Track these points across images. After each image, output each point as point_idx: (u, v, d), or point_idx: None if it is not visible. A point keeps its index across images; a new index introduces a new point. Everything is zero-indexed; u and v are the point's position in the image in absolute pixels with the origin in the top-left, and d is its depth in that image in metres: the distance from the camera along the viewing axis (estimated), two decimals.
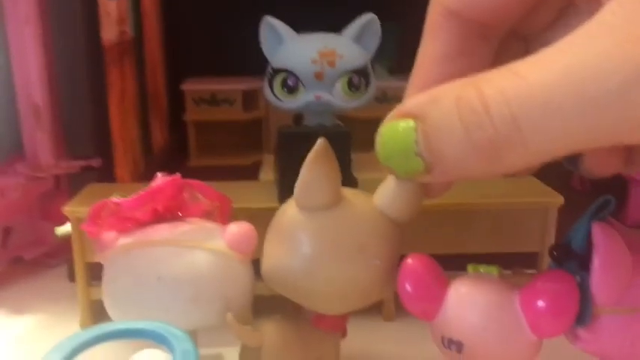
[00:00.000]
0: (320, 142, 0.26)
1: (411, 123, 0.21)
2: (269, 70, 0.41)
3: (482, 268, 0.27)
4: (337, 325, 0.31)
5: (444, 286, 0.27)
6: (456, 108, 0.20)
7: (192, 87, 0.66)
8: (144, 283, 0.29)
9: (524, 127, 0.18)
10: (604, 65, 0.17)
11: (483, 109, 0.19)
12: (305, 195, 0.27)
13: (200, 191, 0.33)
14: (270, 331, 0.30)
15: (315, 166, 0.26)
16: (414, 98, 0.21)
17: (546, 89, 0.18)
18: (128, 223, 0.31)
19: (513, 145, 0.19)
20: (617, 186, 0.48)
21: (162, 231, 0.30)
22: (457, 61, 0.24)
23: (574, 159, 0.25)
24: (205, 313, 0.29)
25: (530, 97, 0.18)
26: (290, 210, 0.28)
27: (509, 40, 0.26)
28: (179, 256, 0.29)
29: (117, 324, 0.25)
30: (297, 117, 0.50)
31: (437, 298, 0.27)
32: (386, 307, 0.41)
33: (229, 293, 0.30)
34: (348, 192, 0.28)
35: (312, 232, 0.27)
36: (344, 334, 0.32)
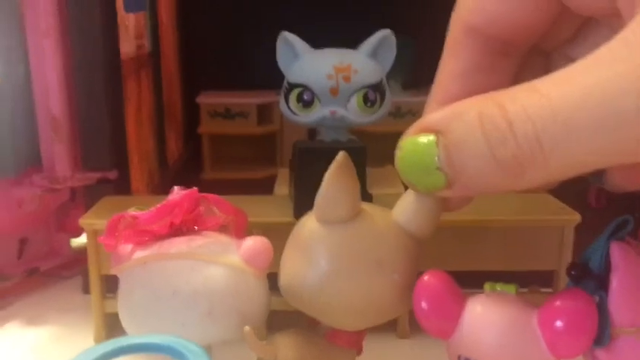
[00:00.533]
0: (341, 155, 0.26)
1: (432, 137, 0.21)
2: (285, 84, 0.42)
3: (500, 287, 0.27)
4: (353, 342, 0.31)
5: (461, 304, 0.27)
6: (479, 123, 0.20)
7: (207, 100, 0.66)
8: (160, 296, 0.29)
9: (547, 144, 0.19)
10: (625, 85, 0.17)
11: (507, 125, 0.19)
12: (325, 208, 0.27)
13: (216, 205, 0.33)
14: (284, 345, 0.30)
15: (336, 179, 0.26)
16: (436, 113, 0.21)
17: (568, 108, 0.18)
18: (145, 236, 0.31)
19: (535, 161, 0.19)
20: (632, 203, 0.47)
21: (178, 244, 0.30)
22: (478, 77, 0.24)
23: (598, 173, 0.25)
24: (220, 327, 0.29)
25: (552, 116, 0.18)
26: (309, 223, 0.28)
27: (530, 55, 0.26)
28: (195, 270, 0.29)
29: (132, 338, 0.25)
30: (312, 131, 0.50)
31: (453, 316, 0.27)
32: (400, 324, 0.41)
33: (244, 308, 0.29)
34: (366, 206, 0.28)
35: (331, 246, 0.27)
36: (359, 351, 0.32)
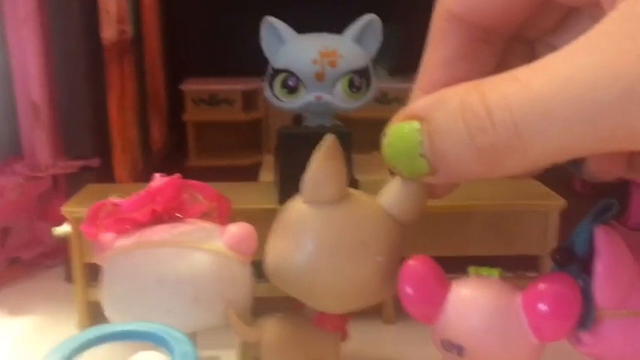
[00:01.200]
0: (329, 137, 0.27)
1: (416, 124, 0.21)
2: (269, 70, 0.41)
3: (484, 271, 0.27)
4: (338, 325, 0.31)
5: (446, 288, 0.27)
6: (460, 111, 0.20)
7: (191, 87, 0.66)
8: (144, 284, 0.28)
9: (525, 132, 0.19)
10: (604, 74, 0.18)
11: (486, 113, 0.19)
12: (313, 189, 0.28)
13: (199, 191, 0.33)
14: (270, 328, 0.30)
15: (325, 160, 0.27)
16: (420, 100, 0.22)
17: (547, 97, 0.18)
18: (126, 224, 0.31)
19: (514, 149, 0.19)
20: (619, 189, 0.48)
21: (161, 232, 0.30)
22: (461, 65, 0.25)
23: (577, 163, 0.25)
24: (205, 314, 0.29)
25: (531, 104, 0.19)
26: (296, 205, 0.29)
27: (513, 44, 0.26)
28: (179, 257, 0.29)
29: (116, 326, 0.25)
30: (297, 117, 0.49)
31: (438, 300, 0.27)
32: (386, 309, 0.41)
33: (229, 294, 0.29)
34: (353, 191, 0.29)
35: (317, 226, 0.28)
36: (345, 336, 0.32)
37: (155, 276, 0.28)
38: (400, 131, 0.22)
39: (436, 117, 0.21)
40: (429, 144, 0.21)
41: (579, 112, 0.18)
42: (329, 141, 0.27)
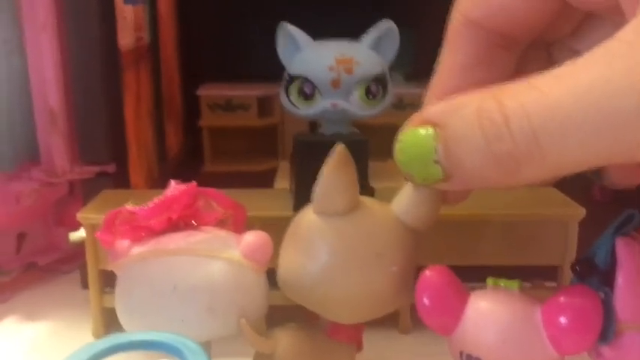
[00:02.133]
0: (339, 148, 0.27)
1: (431, 130, 0.21)
2: (285, 76, 0.41)
3: (503, 282, 0.27)
4: (353, 337, 0.31)
5: (464, 299, 0.27)
6: (476, 118, 0.20)
7: (207, 92, 0.66)
8: (159, 292, 0.28)
9: (543, 141, 0.19)
10: (624, 84, 0.17)
11: (504, 121, 0.19)
12: (323, 200, 0.27)
13: (215, 199, 0.32)
14: (284, 339, 0.30)
15: (335, 171, 0.27)
16: (436, 106, 0.21)
17: (566, 105, 0.18)
18: (142, 231, 0.31)
19: (531, 158, 0.19)
20: (638, 197, 0.47)
21: (177, 240, 0.30)
22: (477, 71, 0.24)
23: (597, 170, 0.25)
24: (220, 323, 0.29)
25: (550, 113, 0.18)
26: (308, 216, 0.28)
27: (531, 48, 0.26)
28: (195, 265, 0.29)
29: (131, 335, 0.25)
30: (313, 124, 0.49)
31: (456, 312, 0.26)
32: (402, 319, 0.40)
33: (244, 303, 0.29)
34: (365, 200, 0.28)
35: (329, 238, 0.27)
36: (360, 347, 0.32)
37: (170, 284, 0.28)
38: (414, 137, 0.22)
39: (452, 123, 0.21)
40: (443, 150, 0.21)
41: (598, 122, 0.18)
42: (339, 151, 0.27)
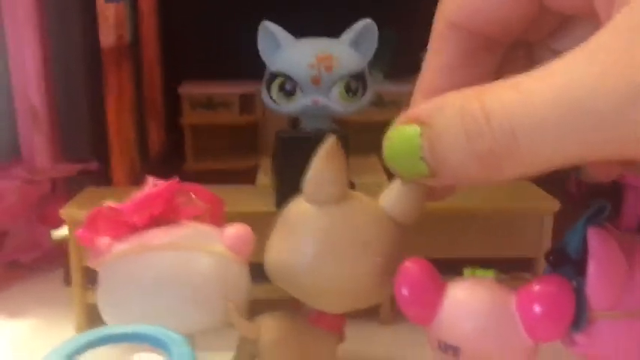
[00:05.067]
0: (331, 139, 0.27)
1: (417, 128, 0.22)
2: (267, 74, 0.41)
3: (479, 272, 0.27)
4: (335, 325, 0.31)
5: (441, 290, 0.27)
6: (459, 117, 0.21)
7: (188, 90, 0.66)
8: (145, 288, 0.29)
9: (522, 139, 0.19)
10: (601, 85, 0.18)
11: (485, 120, 0.20)
12: (315, 189, 0.28)
13: (195, 193, 0.33)
14: (268, 326, 0.30)
15: (326, 160, 0.27)
16: (422, 105, 0.22)
17: (545, 105, 0.19)
18: (123, 228, 0.31)
19: (511, 155, 0.20)
20: (612, 191, 0.48)
21: (159, 235, 0.30)
22: (461, 71, 0.25)
23: (575, 166, 0.26)
24: (206, 315, 0.29)
25: (529, 112, 0.19)
26: (298, 205, 0.29)
27: (513, 48, 0.26)
28: (179, 259, 0.29)
29: (114, 327, 0.25)
30: (294, 121, 0.50)
31: (433, 302, 0.27)
32: (383, 310, 0.41)
33: (230, 295, 0.30)
34: (353, 192, 0.29)
35: (318, 226, 0.28)
36: (342, 338, 0.32)
37: (156, 280, 0.29)
38: (401, 134, 0.22)
39: (436, 122, 0.21)
40: (429, 148, 0.22)
41: (574, 122, 0.18)
42: (330, 142, 0.27)
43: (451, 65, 0.25)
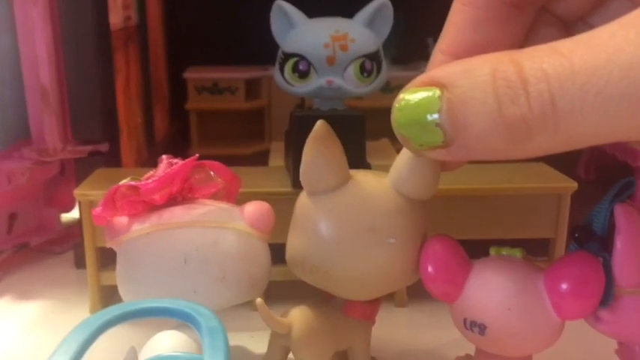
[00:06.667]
0: (318, 124, 0.26)
1: (436, 91, 0.20)
2: (280, 54, 0.41)
3: (505, 251, 0.27)
4: (368, 313, 0.31)
5: (467, 268, 0.27)
6: (490, 79, 0.19)
7: (194, 75, 0.65)
8: (170, 266, 0.28)
9: (561, 107, 0.17)
10: None
11: (521, 84, 0.18)
12: (309, 180, 0.27)
13: (214, 170, 0.32)
14: (299, 318, 0.29)
15: (315, 148, 0.27)
16: (444, 67, 0.20)
17: (589, 72, 0.17)
18: (140, 206, 0.30)
19: (546, 125, 0.18)
20: (622, 175, 0.48)
21: (179, 213, 0.30)
22: (489, 29, 0.23)
23: None
24: (232, 292, 0.29)
25: (571, 78, 0.17)
26: (301, 199, 0.29)
27: (546, 25, 0.25)
28: (205, 236, 0.29)
29: (141, 302, 0.24)
30: (301, 104, 0.49)
31: (459, 279, 0.27)
32: (398, 293, 0.41)
33: (254, 271, 0.29)
34: (358, 173, 0.28)
35: (321, 216, 0.27)
36: (372, 323, 0.32)
37: (181, 257, 0.28)
38: (416, 97, 0.20)
39: (462, 84, 0.19)
40: (448, 112, 0.19)
41: (622, 93, 0.17)
42: (317, 127, 0.26)
43: (478, 20, 0.23)
